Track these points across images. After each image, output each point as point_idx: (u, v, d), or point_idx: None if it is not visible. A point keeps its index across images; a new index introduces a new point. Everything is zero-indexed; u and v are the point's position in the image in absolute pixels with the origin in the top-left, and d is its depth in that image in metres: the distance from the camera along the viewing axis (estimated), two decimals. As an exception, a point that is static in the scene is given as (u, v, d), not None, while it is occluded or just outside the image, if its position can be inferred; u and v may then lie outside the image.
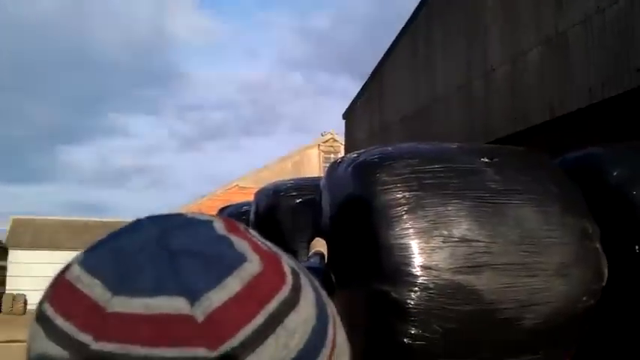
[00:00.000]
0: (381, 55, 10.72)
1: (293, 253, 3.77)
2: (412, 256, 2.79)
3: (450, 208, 2.89)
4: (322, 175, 3.81)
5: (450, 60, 8.41)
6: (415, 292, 2.76)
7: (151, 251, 0.49)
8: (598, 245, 3.01)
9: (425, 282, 2.76)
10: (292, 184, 4.43)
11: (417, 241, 2.81)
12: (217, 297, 0.46)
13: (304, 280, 0.54)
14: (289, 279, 0.52)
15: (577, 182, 3.20)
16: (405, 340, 2.78)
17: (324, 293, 0.57)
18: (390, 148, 3.30)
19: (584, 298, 2.95)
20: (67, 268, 0.52)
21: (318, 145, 27.65)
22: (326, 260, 1.44)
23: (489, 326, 2.86)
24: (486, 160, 3.14)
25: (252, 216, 4.47)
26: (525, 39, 6.81)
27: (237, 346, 0.45)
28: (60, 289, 0.50)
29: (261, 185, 4.85)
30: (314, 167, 25.87)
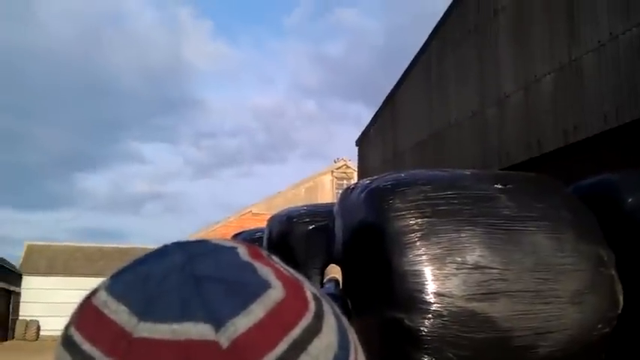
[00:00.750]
0: (394, 82, 10.76)
1: (307, 277, 3.77)
2: (425, 283, 2.78)
3: (463, 235, 2.88)
4: (335, 201, 3.80)
5: (463, 87, 8.42)
6: (428, 319, 2.74)
7: (177, 277, 0.49)
8: (613, 272, 2.99)
9: (438, 309, 2.75)
10: (305, 211, 4.43)
11: (430, 267, 2.80)
12: (242, 323, 0.46)
13: (326, 307, 0.54)
14: (312, 305, 0.52)
15: (592, 209, 3.19)
16: (419, 367, 2.76)
17: (344, 319, 0.57)
18: (403, 175, 3.30)
19: (600, 326, 2.92)
20: (94, 293, 0.52)
21: (332, 171, 27.67)
22: (341, 286, 1.44)
23: (503, 354, 2.83)
24: (500, 186, 3.13)
25: (265, 242, 4.47)
26: (539, 65, 6.82)
27: None
28: (86, 314, 0.50)
29: (275, 212, 4.85)
30: (327, 194, 25.87)
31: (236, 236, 6.03)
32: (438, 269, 2.80)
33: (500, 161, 7.14)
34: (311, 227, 4.12)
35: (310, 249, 3.92)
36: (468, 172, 3.48)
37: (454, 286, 2.78)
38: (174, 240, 0.57)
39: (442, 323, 2.74)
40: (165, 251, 0.54)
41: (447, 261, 2.82)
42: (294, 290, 0.52)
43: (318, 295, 0.54)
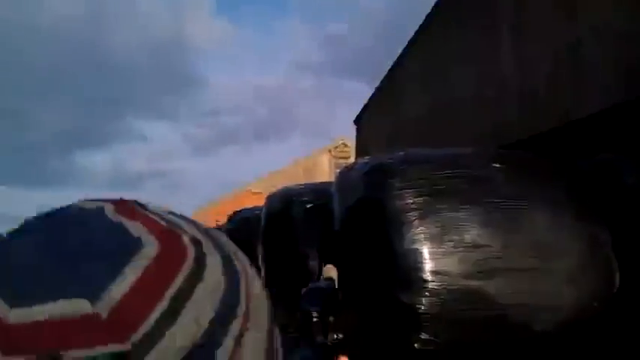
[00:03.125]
0: (393, 60, 10.72)
1: (305, 256, 3.80)
2: (423, 261, 2.80)
3: (461, 214, 2.89)
4: (333, 180, 3.81)
5: (462, 65, 8.40)
6: (426, 297, 2.76)
7: (42, 254, 0.47)
8: (609, 251, 3.01)
9: (436, 287, 2.77)
10: (303, 189, 4.45)
11: (428, 246, 2.82)
12: (118, 290, 0.45)
13: (208, 247, 0.51)
14: (190, 251, 0.49)
15: (590, 188, 3.20)
16: (416, 344, 2.78)
17: (233, 252, 0.55)
18: (401, 154, 3.31)
19: (595, 304, 2.94)
20: None
21: (329, 150, 27.63)
22: (336, 285, 1.44)
23: (500, 331, 2.86)
24: (498, 166, 3.14)
25: (263, 220, 4.49)
26: (538, 43, 6.80)
27: (148, 333, 0.44)
28: None
29: (273, 190, 4.86)
30: (325, 172, 25.85)
31: (235, 214, 6.05)
32: (436, 248, 2.82)
33: (500, 139, 7.14)
34: (309, 206, 4.13)
35: (309, 227, 3.94)
36: (466, 151, 3.49)
37: (452, 264, 2.80)
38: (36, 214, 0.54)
39: (440, 301, 2.76)
40: (26, 228, 0.52)
41: (445, 240, 2.84)
42: (169, 241, 0.50)
43: (198, 236, 0.52)
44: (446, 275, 2.78)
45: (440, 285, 2.77)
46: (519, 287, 2.85)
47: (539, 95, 6.73)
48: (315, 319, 0.91)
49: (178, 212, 0.58)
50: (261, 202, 5.18)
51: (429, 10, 9.43)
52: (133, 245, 0.48)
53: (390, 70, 10.90)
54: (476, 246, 2.84)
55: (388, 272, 2.91)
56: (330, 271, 1.53)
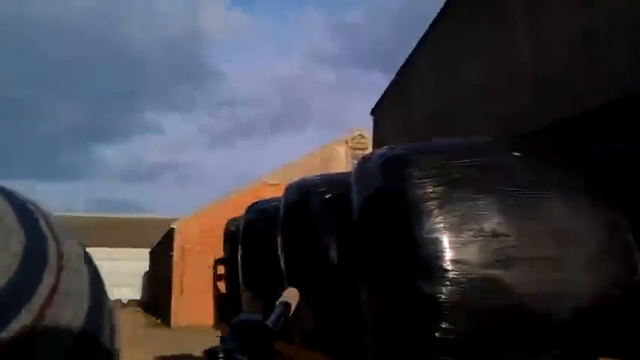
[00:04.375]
0: (409, 51, 10.70)
1: (323, 247, 3.81)
2: (443, 250, 2.81)
3: (479, 203, 2.90)
4: (350, 170, 3.82)
5: (477, 55, 8.37)
6: (446, 286, 2.78)
7: None
8: (630, 238, 3.00)
9: (456, 276, 2.78)
10: (321, 180, 4.46)
11: (447, 235, 2.83)
12: None
13: (7, 224, 0.48)
14: None
15: (608, 176, 3.19)
16: (437, 333, 2.80)
17: (50, 231, 0.51)
18: (419, 144, 3.32)
19: (616, 292, 2.94)
20: None
21: (346, 141, 27.61)
22: (291, 312, 1.41)
23: (519, 320, 2.87)
24: (516, 154, 3.14)
25: (281, 211, 4.51)
26: (553, 33, 6.77)
27: None
28: None
29: (289, 181, 4.88)
30: (341, 163, 25.84)
31: (253, 206, 6.07)
32: (455, 237, 2.83)
33: (517, 129, 7.11)
34: (327, 196, 4.14)
35: (327, 218, 3.95)
36: (484, 140, 3.49)
37: (471, 253, 2.81)
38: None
39: (459, 290, 2.77)
40: None
41: (464, 229, 2.84)
42: None
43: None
44: (465, 264, 2.79)
45: (460, 274, 2.78)
46: (538, 275, 2.86)
47: (554, 84, 6.70)
48: (220, 358, 0.91)
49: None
50: (277, 193, 5.20)
51: (442, 2, 9.40)
52: None
53: (405, 63, 10.88)
54: (495, 235, 2.85)
55: (408, 262, 2.92)
56: (291, 295, 1.49)
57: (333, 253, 3.78)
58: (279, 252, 4.32)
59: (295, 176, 5.32)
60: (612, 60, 5.78)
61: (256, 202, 6.21)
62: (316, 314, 3.96)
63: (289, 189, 4.62)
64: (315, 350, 4.05)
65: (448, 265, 2.79)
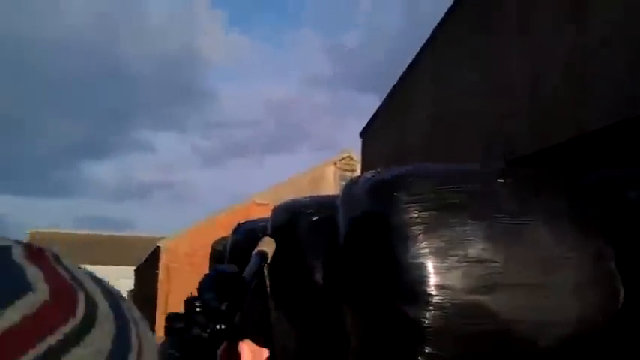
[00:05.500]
0: (399, 75, 10.76)
1: (310, 269, 3.80)
2: (428, 275, 2.82)
3: (466, 229, 2.91)
4: (338, 192, 3.83)
5: (470, 78, 8.42)
6: (430, 311, 2.78)
7: None
8: (613, 266, 3.02)
9: (440, 301, 2.79)
10: (309, 202, 4.46)
11: (433, 260, 2.84)
12: None
13: (103, 313, 0.52)
14: (80, 311, 0.50)
15: (594, 204, 3.22)
16: (420, 358, 2.80)
17: (135, 326, 0.55)
18: (407, 168, 3.33)
19: (600, 319, 2.95)
20: None
21: (335, 162, 27.67)
22: (268, 260, 1.41)
23: (504, 346, 2.87)
24: (502, 181, 3.17)
25: (268, 232, 4.50)
26: (546, 55, 6.82)
27: None
28: None
29: (278, 201, 4.87)
30: (330, 185, 25.88)
31: (240, 226, 6.06)
32: (440, 262, 2.84)
33: (507, 154, 7.15)
34: (315, 218, 4.14)
35: (315, 240, 3.95)
36: (471, 166, 3.52)
37: (456, 278, 2.82)
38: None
39: (444, 315, 2.78)
40: None
41: (450, 254, 2.85)
42: (61, 295, 0.50)
43: (97, 299, 0.53)
44: (450, 289, 2.80)
45: (444, 299, 2.78)
46: (523, 302, 2.87)
47: (548, 107, 6.74)
48: (198, 309, 0.90)
49: (98, 275, 0.58)
50: (266, 213, 5.19)
51: (435, 25, 9.47)
52: (22, 289, 0.48)
53: (395, 84, 10.94)
54: (480, 260, 2.86)
55: (393, 286, 2.92)
56: (266, 244, 1.49)
57: (319, 275, 3.77)
58: (265, 273, 4.31)
59: (284, 196, 5.32)
60: (608, 82, 5.82)
61: (244, 223, 6.19)
62: (300, 335, 3.95)
63: (277, 210, 4.62)
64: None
65: (433, 290, 2.79)
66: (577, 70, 6.24)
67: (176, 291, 24.58)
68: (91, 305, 0.52)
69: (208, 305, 0.99)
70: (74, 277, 0.54)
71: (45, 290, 0.49)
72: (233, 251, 5.69)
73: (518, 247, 2.95)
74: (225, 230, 7.26)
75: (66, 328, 0.48)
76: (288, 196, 5.32)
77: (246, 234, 5.72)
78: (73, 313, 0.49)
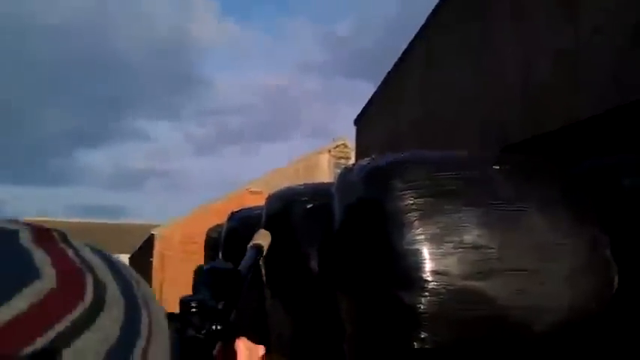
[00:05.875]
0: (393, 62, 10.74)
1: (305, 256, 3.81)
2: (424, 261, 2.82)
3: (461, 215, 2.92)
4: (333, 180, 3.83)
5: (464, 66, 8.41)
6: (426, 297, 2.79)
7: None
8: (608, 253, 3.03)
9: (436, 287, 2.79)
10: (304, 190, 4.46)
11: (428, 246, 2.84)
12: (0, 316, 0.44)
13: (112, 297, 0.52)
14: (89, 297, 0.50)
15: (591, 190, 3.23)
16: (416, 344, 2.80)
17: (145, 309, 0.55)
18: (402, 155, 3.33)
19: (594, 306, 2.97)
20: None
21: (329, 150, 27.64)
22: (264, 253, 1.40)
23: (499, 331, 2.88)
24: (498, 167, 3.17)
25: (263, 220, 4.50)
26: (539, 44, 6.81)
27: None
28: None
29: (272, 189, 4.87)
30: (324, 172, 25.87)
31: (235, 213, 6.06)
32: (436, 248, 2.84)
33: (501, 140, 7.16)
34: (310, 206, 4.14)
35: (310, 228, 3.95)
36: (466, 153, 3.52)
37: (452, 264, 2.83)
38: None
39: (439, 301, 2.79)
40: None
41: (445, 240, 2.86)
42: (69, 279, 0.50)
43: (105, 280, 0.53)
44: (446, 275, 2.81)
45: (440, 285, 2.79)
46: (518, 288, 2.88)
47: (540, 96, 6.75)
48: (193, 309, 0.89)
49: (108, 253, 0.58)
50: (260, 201, 5.19)
51: (429, 12, 9.45)
52: (29, 276, 0.48)
53: (389, 72, 10.92)
54: (476, 247, 2.87)
55: (388, 272, 2.93)
56: (262, 237, 1.48)
57: (314, 263, 3.78)
58: (260, 260, 4.31)
59: (278, 184, 5.32)
60: (601, 71, 5.82)
61: (239, 210, 6.19)
62: (295, 323, 3.96)
63: (272, 197, 4.62)
64: (292, 359, 4.05)
65: (428, 276, 2.80)
66: (569, 58, 6.24)
67: (170, 279, 24.59)
68: (100, 289, 0.51)
69: (204, 305, 0.98)
70: (83, 260, 0.53)
71: (52, 276, 0.49)
72: (228, 239, 5.70)
73: (513, 233, 2.95)
74: (219, 218, 7.25)
75: (73, 315, 0.48)
76: (282, 183, 5.32)
77: (242, 221, 5.73)
78: (81, 298, 0.49)
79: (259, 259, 1.39)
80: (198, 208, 26.45)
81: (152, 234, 27.50)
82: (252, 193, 22.37)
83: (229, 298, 1.07)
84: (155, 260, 26.74)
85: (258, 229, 4.08)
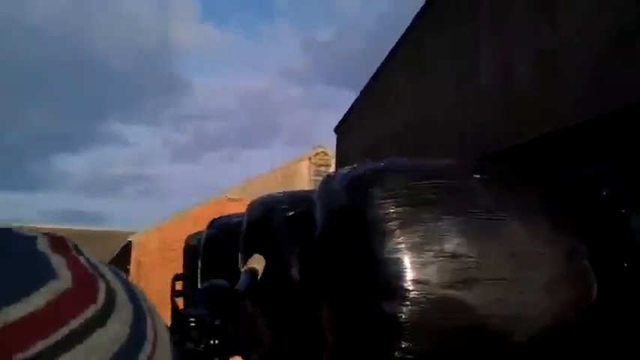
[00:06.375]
0: (374, 70, 10.77)
1: (286, 264, 3.80)
2: (404, 270, 2.83)
3: (441, 224, 2.93)
4: (313, 187, 3.83)
5: (445, 73, 8.45)
6: (407, 306, 2.79)
7: None
8: (586, 263, 3.06)
9: (416, 296, 2.80)
10: (284, 197, 4.45)
11: (409, 255, 2.85)
12: (15, 311, 0.46)
13: (122, 302, 0.55)
14: (101, 298, 0.52)
15: (571, 200, 3.25)
16: (396, 353, 2.80)
17: (151, 317, 0.58)
18: (383, 163, 3.34)
19: (572, 315, 2.99)
20: None
21: (309, 157, 27.64)
22: (259, 277, 1.41)
23: (479, 341, 2.89)
24: (478, 176, 3.18)
25: (244, 228, 4.49)
26: (518, 53, 6.86)
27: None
28: None
29: (251, 197, 4.86)
30: (304, 180, 25.86)
31: (215, 221, 6.04)
32: (416, 257, 2.85)
33: (482, 149, 7.19)
34: (290, 214, 4.14)
35: (290, 236, 3.95)
36: (446, 162, 3.53)
37: (432, 273, 2.83)
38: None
39: (420, 310, 2.79)
40: None
41: (426, 249, 2.87)
42: (84, 282, 0.52)
43: (116, 288, 0.55)
44: (426, 284, 2.81)
45: (420, 294, 2.79)
46: (497, 297, 2.89)
47: (520, 104, 6.79)
48: (192, 324, 0.90)
49: (113, 267, 0.61)
50: (239, 208, 5.18)
51: (410, 21, 9.49)
52: (46, 276, 0.50)
53: (370, 79, 10.95)
54: (456, 256, 2.87)
55: (369, 281, 2.93)
56: (256, 261, 1.48)
57: (295, 271, 3.77)
58: (241, 268, 4.30)
59: (257, 192, 5.31)
60: (581, 79, 5.86)
61: (218, 217, 6.18)
62: (275, 331, 3.95)
63: (252, 205, 4.61)
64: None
65: (409, 285, 2.80)
66: (551, 60, 6.28)
67: (148, 287, 24.37)
68: (111, 293, 0.54)
69: (203, 321, 0.99)
70: (95, 267, 0.56)
71: (68, 278, 0.52)
72: (207, 246, 5.67)
73: (493, 242, 2.97)
74: (197, 225, 7.23)
75: (87, 314, 0.50)
76: (261, 191, 5.31)
77: (221, 229, 5.71)
78: (94, 300, 0.52)
79: (254, 282, 1.39)
80: (176, 214, 26.32)
81: (129, 241, 27.31)
82: (230, 200, 22.30)
83: (226, 316, 1.07)
84: (132, 267, 26.58)
85: (239, 236, 4.05)
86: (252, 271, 1.43)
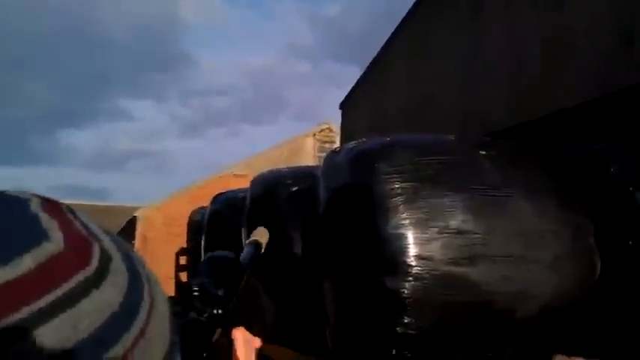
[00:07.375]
0: (381, 45, 10.69)
1: (289, 239, 3.79)
2: (408, 246, 2.80)
3: (446, 200, 2.90)
4: (317, 164, 3.80)
5: (451, 50, 8.38)
6: (410, 281, 2.77)
7: None
8: (591, 240, 3.03)
9: (420, 272, 2.78)
10: (288, 173, 4.44)
11: (413, 231, 2.82)
12: (6, 274, 0.46)
13: (117, 267, 0.53)
14: (94, 262, 0.51)
15: (578, 177, 3.22)
16: (399, 328, 2.79)
17: (148, 285, 0.57)
18: (388, 139, 3.31)
19: (577, 292, 2.97)
20: None
21: (314, 134, 27.56)
22: (262, 249, 1.40)
23: (482, 317, 2.88)
24: (484, 153, 3.15)
25: (247, 203, 4.48)
26: (528, 30, 6.79)
27: (17, 323, 0.45)
28: None
29: (256, 172, 4.85)
30: (309, 156, 25.81)
31: (219, 196, 6.03)
32: (420, 233, 2.82)
33: (487, 127, 7.14)
34: (294, 189, 4.12)
35: (294, 211, 3.93)
36: (452, 137, 3.49)
37: (436, 249, 2.81)
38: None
39: (423, 286, 2.77)
40: None
41: (430, 225, 2.84)
42: (76, 245, 0.51)
43: (111, 251, 0.54)
44: (430, 260, 2.79)
45: (424, 270, 2.78)
46: (502, 274, 2.87)
47: (528, 82, 6.73)
48: (195, 294, 0.89)
49: (110, 230, 0.60)
50: (244, 184, 5.16)
51: (417, -4, 9.40)
52: (37, 238, 0.49)
53: (376, 56, 10.87)
54: (460, 232, 2.85)
55: (372, 257, 2.91)
56: (260, 234, 1.48)
57: (298, 247, 3.76)
58: (244, 243, 4.29)
59: (262, 167, 5.29)
60: (589, 58, 5.81)
61: (222, 193, 6.17)
62: (278, 307, 3.94)
63: (256, 180, 4.59)
64: (275, 343, 4.03)
65: (412, 261, 2.78)
66: (556, 47, 6.22)
67: (153, 261, 24.50)
68: (105, 258, 0.53)
69: (206, 290, 0.97)
70: (90, 231, 0.55)
71: (60, 240, 0.50)
72: (212, 221, 5.67)
73: (499, 219, 2.94)
74: (202, 200, 7.22)
75: (78, 278, 0.49)
76: (266, 166, 5.29)
77: (225, 204, 5.70)
78: (87, 263, 0.51)
79: (258, 255, 1.38)
80: (181, 190, 26.33)
81: (134, 216, 27.36)
82: (236, 176, 22.29)
83: (229, 286, 1.06)
84: (137, 242, 26.64)
85: (243, 211, 4.03)
86: (256, 244, 1.41)
